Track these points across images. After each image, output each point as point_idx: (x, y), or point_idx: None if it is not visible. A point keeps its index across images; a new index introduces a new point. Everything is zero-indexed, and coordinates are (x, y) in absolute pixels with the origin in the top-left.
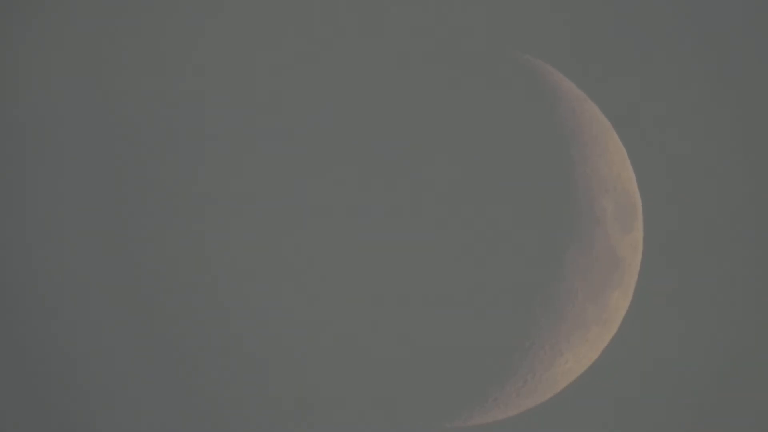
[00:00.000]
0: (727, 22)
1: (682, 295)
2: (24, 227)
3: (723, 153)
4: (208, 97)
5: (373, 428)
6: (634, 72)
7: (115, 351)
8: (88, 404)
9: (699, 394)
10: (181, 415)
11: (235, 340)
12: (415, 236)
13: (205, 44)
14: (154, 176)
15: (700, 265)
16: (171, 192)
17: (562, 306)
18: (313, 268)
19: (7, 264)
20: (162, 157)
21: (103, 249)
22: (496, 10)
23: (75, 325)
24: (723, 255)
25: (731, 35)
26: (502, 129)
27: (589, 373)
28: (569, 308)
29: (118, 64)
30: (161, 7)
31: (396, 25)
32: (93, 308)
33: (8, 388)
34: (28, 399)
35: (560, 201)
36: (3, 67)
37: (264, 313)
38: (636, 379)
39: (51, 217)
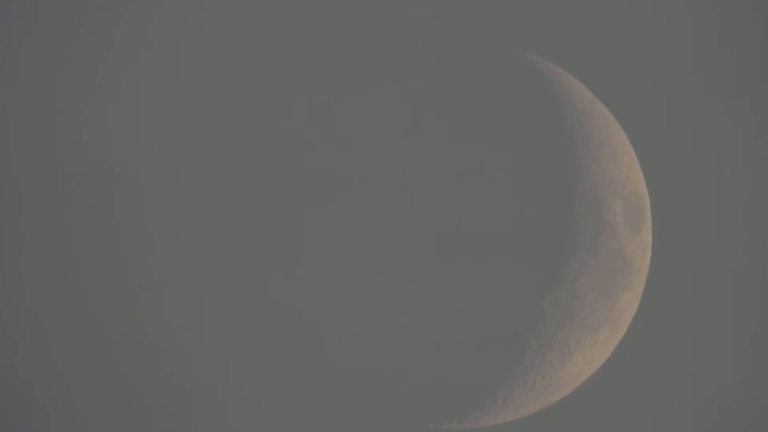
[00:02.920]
0: (732, 23)
1: (690, 295)
2: None
3: (731, 154)
4: (209, 98)
5: (381, 429)
6: (644, 73)
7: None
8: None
9: (706, 395)
10: (181, 414)
11: (236, 340)
12: (423, 236)
13: (207, 44)
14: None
15: (709, 265)
16: (172, 191)
17: (571, 307)
18: (317, 267)
19: None
20: (162, 156)
21: (100, 250)
22: (505, 11)
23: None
24: (731, 255)
25: (737, 36)
26: (510, 129)
27: (598, 374)
28: (578, 310)
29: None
30: (164, 6)
31: (402, 24)
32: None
33: None
34: None
35: (569, 202)
36: None
37: (266, 313)
38: (645, 380)
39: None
